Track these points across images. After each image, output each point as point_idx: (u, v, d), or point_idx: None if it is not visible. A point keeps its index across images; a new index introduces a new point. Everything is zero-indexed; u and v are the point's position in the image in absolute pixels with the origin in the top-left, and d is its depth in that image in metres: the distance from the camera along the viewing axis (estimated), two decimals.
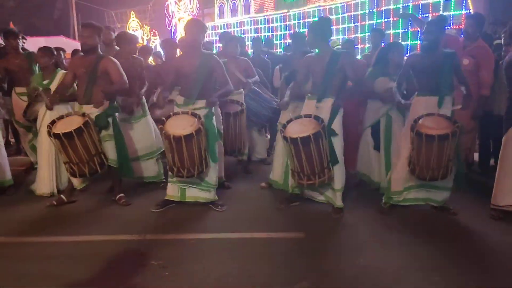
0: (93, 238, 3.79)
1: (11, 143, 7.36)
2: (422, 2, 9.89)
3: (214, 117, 4.40)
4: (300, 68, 4.46)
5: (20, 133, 5.92)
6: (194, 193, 4.44)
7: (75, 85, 4.62)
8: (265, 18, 15.86)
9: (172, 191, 4.44)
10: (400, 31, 10.44)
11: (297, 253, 3.46)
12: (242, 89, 5.54)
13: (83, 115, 4.25)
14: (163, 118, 4.21)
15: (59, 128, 4.15)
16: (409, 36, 10.01)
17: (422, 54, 4.20)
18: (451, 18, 9.45)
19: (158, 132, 4.56)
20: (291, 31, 12.13)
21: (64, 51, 6.06)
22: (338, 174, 4.19)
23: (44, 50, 4.95)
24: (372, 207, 4.34)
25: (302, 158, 3.99)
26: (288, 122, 4.19)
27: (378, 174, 4.80)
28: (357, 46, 8.79)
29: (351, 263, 3.30)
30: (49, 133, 4.16)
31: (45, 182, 4.81)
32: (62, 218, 4.27)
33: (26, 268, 3.29)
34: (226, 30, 15.72)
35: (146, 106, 5.13)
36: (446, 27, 4.31)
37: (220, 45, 7.17)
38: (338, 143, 4.16)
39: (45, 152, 4.80)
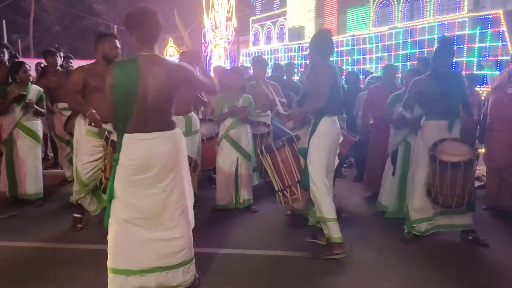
0: None
1: (49, 157, 7.69)
2: (458, 33, 9.85)
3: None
4: None
5: (59, 147, 6.16)
6: None
7: None
8: (299, 46, 16.07)
9: None
10: None
11: (306, 273, 3.48)
12: (269, 112, 5.66)
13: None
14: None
15: None
16: None
17: (429, 79, 4.07)
18: (487, 50, 9.37)
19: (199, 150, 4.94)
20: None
21: None
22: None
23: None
24: (396, 235, 4.22)
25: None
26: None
27: (388, 198, 4.75)
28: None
29: (375, 284, 3.29)
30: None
31: None
32: (93, 227, 4.41)
33: (57, 272, 3.44)
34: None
35: (193, 126, 4.94)
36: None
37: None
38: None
39: None
